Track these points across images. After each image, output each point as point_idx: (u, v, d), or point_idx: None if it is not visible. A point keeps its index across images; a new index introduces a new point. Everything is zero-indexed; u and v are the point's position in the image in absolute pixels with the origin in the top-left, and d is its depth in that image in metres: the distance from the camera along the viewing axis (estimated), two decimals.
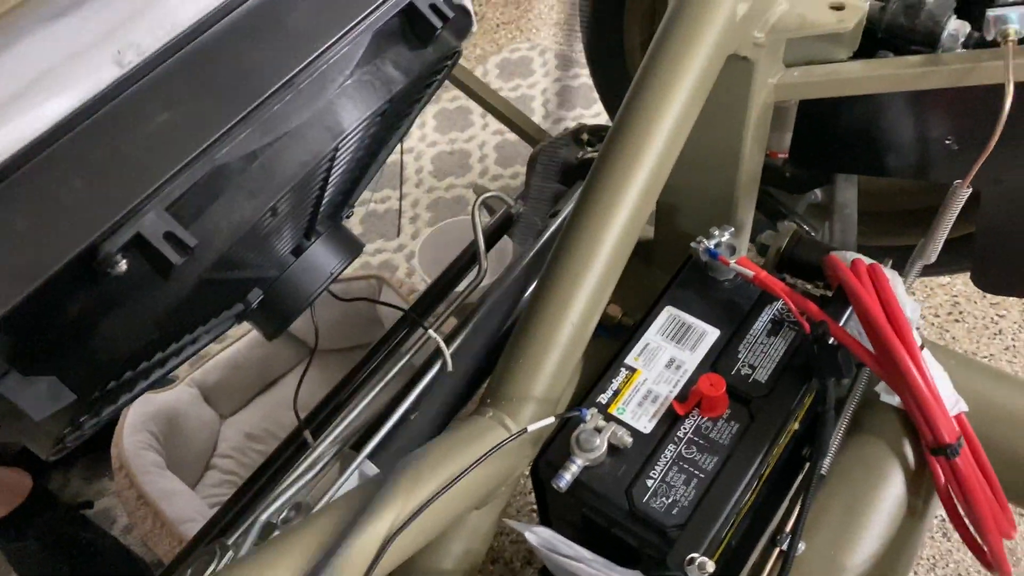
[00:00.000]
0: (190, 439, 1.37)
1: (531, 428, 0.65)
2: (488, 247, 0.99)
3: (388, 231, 1.73)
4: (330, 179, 0.62)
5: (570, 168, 1.05)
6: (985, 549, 0.74)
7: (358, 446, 0.72)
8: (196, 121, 0.50)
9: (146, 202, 0.48)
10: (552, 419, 0.66)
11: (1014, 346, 1.48)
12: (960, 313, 1.53)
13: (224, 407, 1.46)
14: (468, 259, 0.94)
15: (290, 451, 0.84)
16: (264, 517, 0.68)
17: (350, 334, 1.45)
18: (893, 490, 0.81)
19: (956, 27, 0.76)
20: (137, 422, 1.30)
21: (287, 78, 0.53)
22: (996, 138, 0.70)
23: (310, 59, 0.54)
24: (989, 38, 0.73)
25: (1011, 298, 1.53)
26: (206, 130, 0.51)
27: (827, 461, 0.82)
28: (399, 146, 1.73)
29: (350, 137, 0.58)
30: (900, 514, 0.81)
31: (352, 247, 0.73)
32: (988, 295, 1.54)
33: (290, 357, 1.52)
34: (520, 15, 2.20)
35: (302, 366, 1.53)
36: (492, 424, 0.67)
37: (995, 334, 1.50)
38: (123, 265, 0.48)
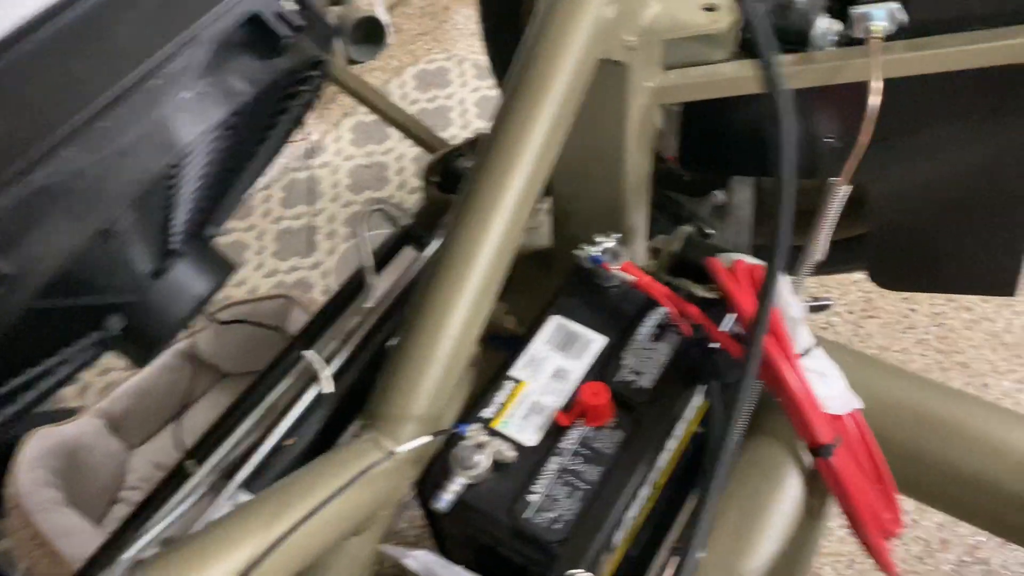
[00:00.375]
0: (94, 472, 1.31)
1: (401, 449, 0.62)
2: (383, 263, 0.97)
3: (302, 248, 1.70)
4: (177, 197, 0.59)
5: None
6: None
7: (232, 474, 0.69)
8: (9, 140, 0.47)
9: None
10: (427, 438, 0.64)
11: (926, 339, 1.51)
12: (874, 309, 1.56)
13: (133, 437, 1.41)
14: (360, 280, 0.92)
15: (173, 483, 0.81)
16: (131, 554, 0.65)
17: (261, 357, 1.40)
18: (790, 491, 0.81)
19: (826, 26, 0.77)
20: (35, 457, 1.24)
21: (114, 91, 0.51)
22: (866, 135, 0.70)
23: (139, 71, 0.52)
24: (856, 36, 0.73)
25: (921, 294, 1.56)
26: (22, 150, 0.48)
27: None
28: (309, 162, 1.69)
29: (192, 153, 0.56)
30: (798, 515, 0.80)
31: (219, 267, 0.70)
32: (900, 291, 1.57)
33: (202, 383, 1.47)
34: (436, 26, 2.19)
35: (214, 392, 1.49)
36: (367, 446, 0.65)
37: (907, 328, 1.52)
38: None
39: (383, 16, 1.99)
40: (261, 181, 1.81)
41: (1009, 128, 0.85)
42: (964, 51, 0.70)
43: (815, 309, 1.03)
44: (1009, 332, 1.49)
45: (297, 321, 1.39)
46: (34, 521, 1.14)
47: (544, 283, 0.95)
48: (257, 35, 0.59)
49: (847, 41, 0.77)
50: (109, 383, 1.53)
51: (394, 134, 1.90)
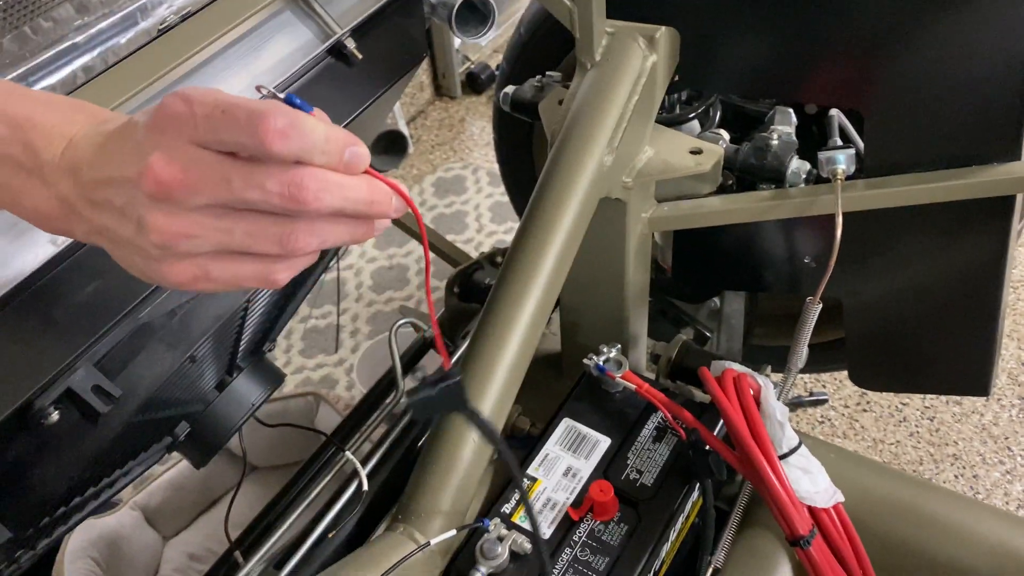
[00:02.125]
0: (132, 562, 1.39)
1: (434, 541, 0.71)
2: (408, 368, 1.07)
3: (328, 346, 1.80)
4: (246, 325, 0.70)
5: (484, 290, 1.15)
6: None
7: (281, 565, 0.78)
8: (121, 287, 0.59)
9: (76, 360, 0.55)
10: (454, 531, 0.73)
11: (918, 432, 1.58)
12: (868, 403, 1.64)
13: (167, 528, 1.49)
14: (389, 380, 1.02)
15: (221, 573, 0.89)
16: None
17: (288, 451, 1.50)
18: None
19: (797, 166, 0.89)
20: (78, 548, 1.32)
21: None
22: (834, 259, 0.81)
23: None
24: (824, 175, 0.85)
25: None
26: (129, 295, 0.59)
27: (721, 554, 0.90)
28: (336, 263, 1.80)
29: (260, 293, 0.67)
30: None
31: (272, 378, 0.81)
32: None
33: (233, 476, 1.56)
34: (453, 136, 2.35)
35: (244, 485, 1.57)
36: (401, 539, 0.74)
37: (900, 421, 1.60)
38: (55, 416, 0.55)
39: (403, 128, 2.15)
40: None
41: (970, 243, 0.95)
42: (913, 190, 0.82)
43: (812, 403, 1.12)
44: (996, 425, 1.57)
45: (324, 416, 1.49)
46: None
47: (554, 386, 1.04)
48: None
49: (816, 179, 0.89)
50: (144, 477, 1.62)
51: (415, 247, 2.03)
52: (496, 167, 1.52)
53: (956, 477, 1.50)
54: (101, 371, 0.56)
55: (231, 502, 0.90)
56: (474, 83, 2.46)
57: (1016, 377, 1.65)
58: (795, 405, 1.00)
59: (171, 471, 1.50)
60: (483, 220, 2.09)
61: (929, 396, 1.63)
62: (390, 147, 2.21)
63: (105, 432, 0.60)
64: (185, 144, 0.39)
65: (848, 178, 0.84)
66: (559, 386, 1.04)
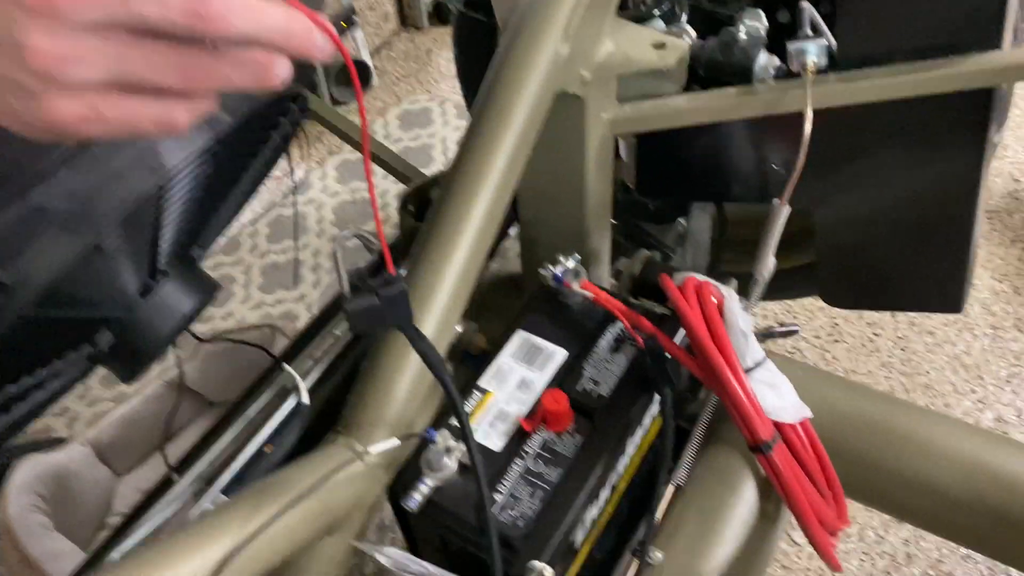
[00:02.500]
0: (82, 499, 1.34)
1: (374, 449, 0.67)
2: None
3: (289, 281, 1.75)
4: (164, 218, 0.64)
5: None
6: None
7: (213, 481, 0.73)
8: (9, 164, 0.53)
9: None
10: (396, 440, 0.69)
11: (889, 362, 1.56)
12: (840, 334, 1.61)
13: (120, 465, 1.44)
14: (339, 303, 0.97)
15: (160, 496, 0.84)
16: (116, 555, 0.69)
17: (244, 385, 1.45)
18: (745, 496, 0.85)
19: (766, 60, 0.83)
20: (24, 484, 1.27)
21: None
22: (802, 159, 0.76)
23: None
24: (793, 69, 0.80)
25: (886, 318, 1.62)
26: (20, 172, 0.53)
27: (683, 472, 0.87)
28: (294, 197, 1.75)
29: (178, 177, 0.61)
30: (753, 519, 0.85)
31: (204, 287, 0.75)
32: (865, 316, 1.63)
33: (188, 412, 1.51)
34: (419, 68, 2.27)
35: (201, 420, 1.52)
36: (340, 450, 0.69)
37: (872, 352, 1.58)
38: None
39: (367, 60, 2.07)
40: (247, 216, 1.87)
41: (945, 151, 0.91)
42: (888, 83, 0.77)
43: (783, 335, 1.08)
44: (968, 355, 1.55)
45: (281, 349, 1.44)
46: (24, 545, 1.17)
47: (514, 306, 1.00)
48: None
49: (785, 75, 0.84)
50: (97, 413, 1.57)
51: (378, 171, 1.96)
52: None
53: (927, 406, 1.48)
54: None
55: (168, 421, 0.85)
56: (441, 13, 2.37)
57: (989, 307, 1.62)
58: (766, 336, 0.96)
59: (123, 407, 1.45)
60: (450, 154, 2.02)
61: (902, 326, 1.60)
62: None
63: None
64: None
65: (819, 72, 0.79)
66: (518, 306, 1.00)
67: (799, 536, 1.33)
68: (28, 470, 1.29)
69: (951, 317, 1.59)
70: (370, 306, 0.58)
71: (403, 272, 0.93)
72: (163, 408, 1.48)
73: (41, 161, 0.53)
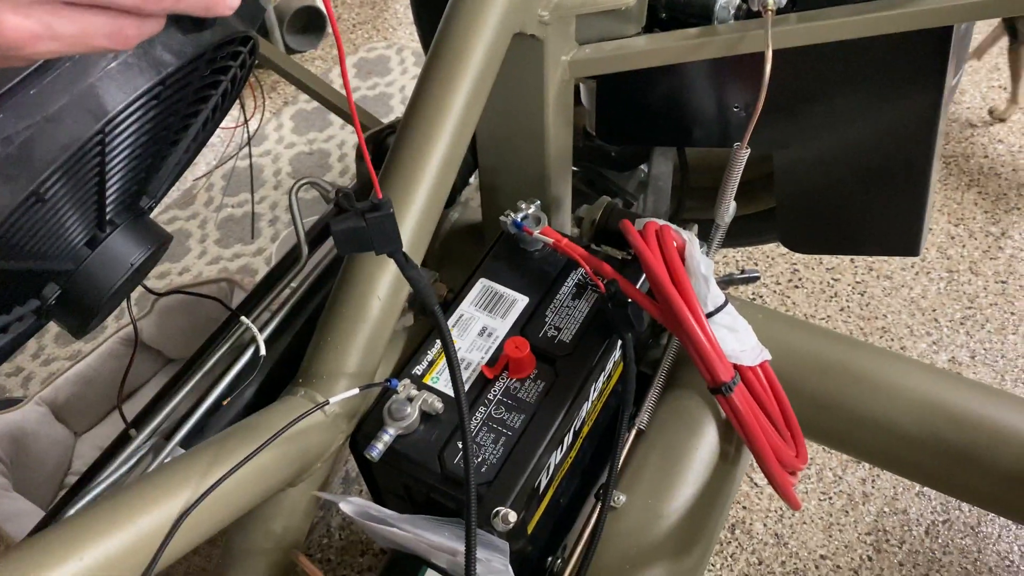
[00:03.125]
0: (40, 459, 1.32)
1: (333, 400, 0.66)
2: (319, 239, 1.00)
3: (246, 235, 1.71)
4: (109, 165, 0.62)
5: None
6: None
7: (172, 435, 0.72)
8: None
9: None
10: (356, 391, 0.68)
11: (848, 307, 1.58)
12: (799, 280, 1.63)
13: (78, 424, 1.42)
14: (297, 255, 0.95)
15: (117, 452, 0.83)
16: (74, 511, 0.68)
17: (201, 340, 1.43)
18: (706, 438, 0.86)
19: (726, 0, 0.82)
20: None
21: (40, 61, 0.53)
22: (762, 100, 0.76)
23: None
24: (754, 9, 0.79)
25: (845, 263, 1.64)
26: None
27: (645, 416, 0.87)
28: (249, 149, 1.70)
29: (121, 121, 0.59)
30: (713, 461, 0.86)
31: (153, 236, 0.73)
32: (824, 261, 1.65)
33: (145, 369, 1.49)
34: (376, 15, 2.21)
35: (159, 377, 1.50)
36: (301, 401, 0.69)
37: (831, 297, 1.60)
38: None
39: (321, 5, 2.01)
40: (201, 169, 1.82)
41: (904, 94, 0.91)
42: (848, 22, 0.76)
43: (744, 281, 1.08)
44: (924, 298, 1.58)
45: (238, 302, 1.41)
46: None
47: (475, 254, 0.99)
48: None
49: (746, 15, 0.83)
50: (52, 372, 1.54)
51: (335, 121, 1.92)
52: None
53: (890, 349, 1.51)
54: None
55: (125, 375, 0.83)
56: None
57: (945, 251, 1.65)
58: (727, 283, 0.96)
59: (79, 365, 1.42)
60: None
61: (860, 271, 1.62)
62: (308, 25, 2.08)
63: None
64: None
65: (779, 12, 0.78)
66: (480, 255, 0.99)
67: (759, 477, 1.36)
68: None
69: (908, 261, 1.61)
70: (357, 227, 0.57)
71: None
72: (119, 365, 1.45)
73: None
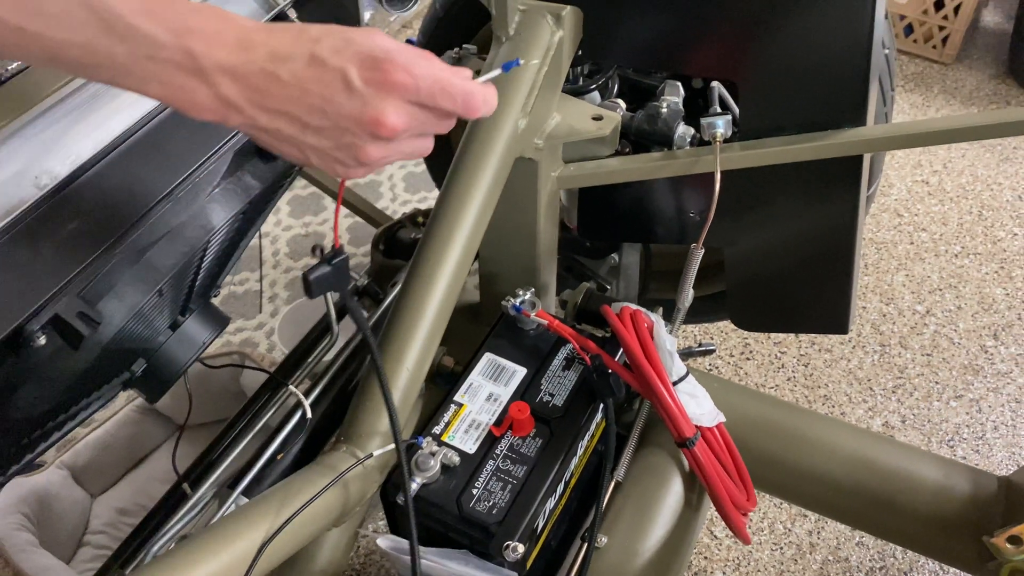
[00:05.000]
0: (62, 518, 1.43)
1: (376, 453, 0.81)
2: (340, 316, 1.16)
3: (247, 311, 1.86)
4: (203, 266, 0.78)
5: (407, 246, 1.25)
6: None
7: (233, 486, 0.86)
8: (99, 226, 0.66)
9: (62, 289, 0.63)
10: (391, 446, 0.83)
11: (794, 377, 1.77)
12: (751, 352, 1.82)
13: (94, 486, 1.53)
14: (322, 327, 1.11)
15: (170, 503, 0.96)
16: (155, 550, 0.81)
17: (216, 408, 1.56)
18: (673, 488, 1.02)
19: (683, 131, 1.02)
20: (9, 504, 1.35)
21: (168, 190, 0.70)
22: (713, 211, 0.95)
23: (185, 175, 0.71)
24: (705, 138, 0.98)
25: (791, 338, 1.84)
26: (107, 233, 0.66)
27: (622, 470, 1.04)
28: (259, 232, 1.86)
29: (218, 232, 0.75)
30: (680, 506, 1.02)
31: (219, 320, 0.89)
32: (772, 337, 1.84)
33: (158, 434, 1.61)
34: None
35: (170, 442, 1.62)
36: (345, 456, 0.84)
37: (779, 368, 1.79)
38: (42, 339, 0.62)
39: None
40: None
41: (828, 202, 1.11)
42: (780, 150, 0.96)
43: (701, 353, 1.27)
44: (860, 369, 1.78)
45: (249, 375, 1.55)
46: (15, 561, 1.26)
47: (475, 331, 1.16)
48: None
49: (699, 142, 1.02)
50: (69, 438, 1.64)
51: (329, 205, 2.10)
52: None
53: (827, 414, 1.69)
54: (83, 300, 0.64)
55: (178, 438, 0.97)
56: None
57: (878, 327, 1.86)
58: (687, 355, 1.14)
59: (96, 431, 1.54)
60: (397, 190, 2.17)
61: (804, 346, 1.82)
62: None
63: (82, 358, 0.68)
64: (406, 104, 0.55)
65: (726, 141, 0.97)
66: (480, 332, 1.16)
67: (718, 530, 1.51)
68: (11, 492, 1.37)
69: (846, 337, 1.81)
70: (323, 274, 0.70)
71: (390, 301, 1.08)
72: (134, 431, 1.57)
73: (121, 225, 0.67)
